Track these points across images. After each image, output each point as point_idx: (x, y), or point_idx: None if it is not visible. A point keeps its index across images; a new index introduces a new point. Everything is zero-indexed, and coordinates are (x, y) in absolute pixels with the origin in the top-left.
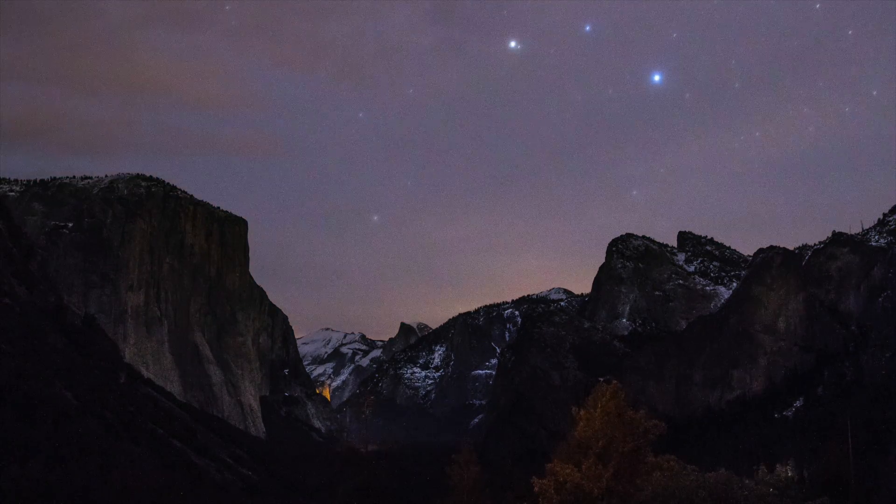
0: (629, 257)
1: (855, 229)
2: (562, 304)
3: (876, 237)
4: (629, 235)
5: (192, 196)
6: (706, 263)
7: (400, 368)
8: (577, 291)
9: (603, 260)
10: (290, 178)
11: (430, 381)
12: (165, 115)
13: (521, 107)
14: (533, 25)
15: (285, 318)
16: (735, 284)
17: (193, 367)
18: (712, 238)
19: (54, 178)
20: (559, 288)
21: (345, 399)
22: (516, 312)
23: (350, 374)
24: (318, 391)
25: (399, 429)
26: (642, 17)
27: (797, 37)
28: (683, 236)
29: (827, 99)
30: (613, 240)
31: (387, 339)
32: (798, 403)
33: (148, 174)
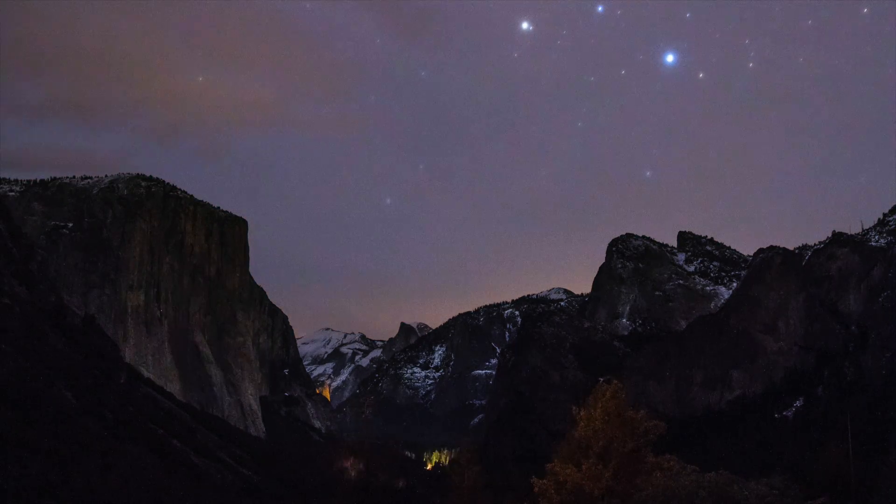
0: (629, 257)
1: (855, 229)
2: (562, 304)
3: (876, 237)
4: (629, 235)
5: (192, 196)
6: (706, 263)
7: (400, 368)
8: (577, 291)
9: (603, 260)
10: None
11: (430, 381)
12: None
13: (536, 88)
14: (545, 7)
15: (285, 318)
16: (735, 284)
17: (193, 367)
18: (712, 238)
19: (54, 178)
20: (559, 288)
21: (345, 399)
22: (516, 312)
23: (350, 374)
24: (318, 391)
25: (399, 429)
26: None
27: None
28: (683, 236)
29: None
30: (613, 240)
31: (387, 339)
32: (798, 403)
33: (148, 174)
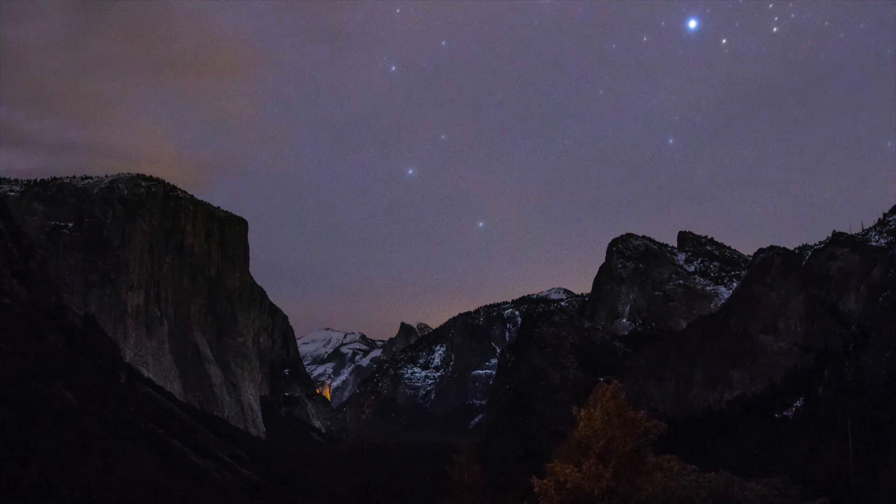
0: (629, 257)
1: (855, 229)
2: (562, 304)
3: (876, 237)
4: (629, 235)
5: (192, 196)
6: (706, 263)
7: (400, 368)
8: (577, 291)
9: (603, 260)
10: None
11: (430, 381)
12: None
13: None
14: None
15: (285, 318)
16: (735, 284)
17: (193, 367)
18: (712, 238)
19: (54, 178)
20: (559, 288)
21: (345, 399)
22: (516, 312)
23: (350, 374)
24: (318, 391)
25: (399, 429)
26: None
27: None
28: (683, 236)
29: None
30: (613, 240)
31: (387, 339)
32: (798, 403)
33: (148, 174)
